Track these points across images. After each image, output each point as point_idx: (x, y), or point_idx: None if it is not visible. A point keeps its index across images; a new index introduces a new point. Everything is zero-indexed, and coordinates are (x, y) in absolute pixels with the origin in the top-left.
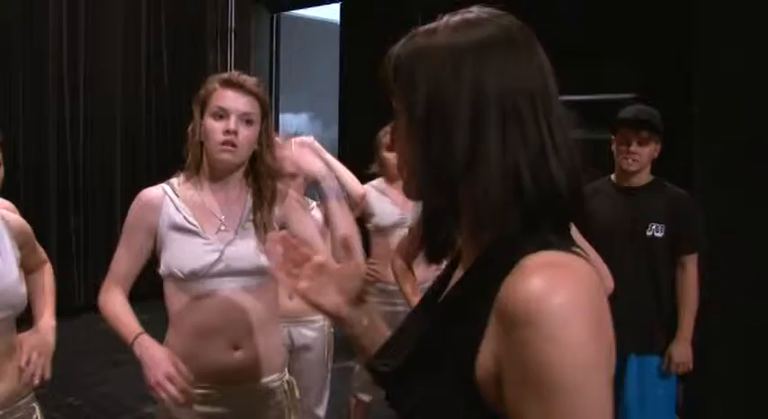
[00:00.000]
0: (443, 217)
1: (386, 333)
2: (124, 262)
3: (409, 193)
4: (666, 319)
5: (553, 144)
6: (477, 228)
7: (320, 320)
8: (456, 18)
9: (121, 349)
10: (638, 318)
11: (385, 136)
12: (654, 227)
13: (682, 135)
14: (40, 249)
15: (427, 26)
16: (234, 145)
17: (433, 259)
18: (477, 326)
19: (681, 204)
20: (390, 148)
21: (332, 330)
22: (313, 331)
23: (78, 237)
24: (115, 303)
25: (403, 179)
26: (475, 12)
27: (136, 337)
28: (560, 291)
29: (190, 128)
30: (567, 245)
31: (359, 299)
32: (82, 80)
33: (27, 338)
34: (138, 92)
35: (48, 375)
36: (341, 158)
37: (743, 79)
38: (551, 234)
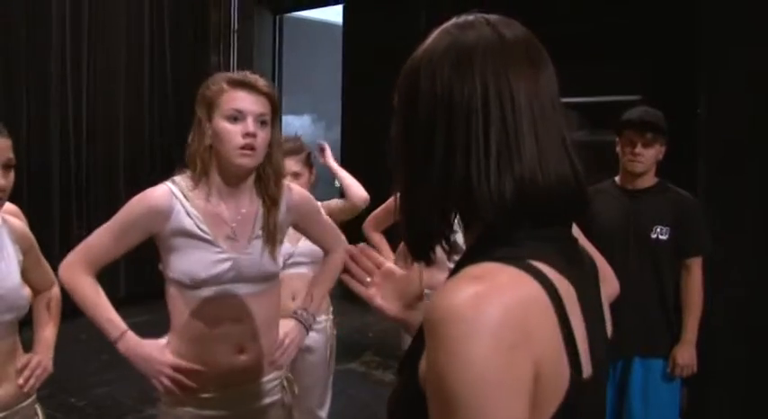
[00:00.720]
0: (429, 217)
1: None
2: (106, 249)
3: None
4: (670, 322)
5: (518, 145)
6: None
7: (323, 322)
8: (445, 26)
9: None
10: (641, 321)
11: None
12: (658, 230)
13: (686, 136)
14: (47, 265)
15: (438, 29)
16: (253, 148)
17: (418, 258)
18: (422, 338)
19: (685, 207)
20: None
21: (334, 332)
22: (315, 332)
23: (81, 239)
24: (92, 289)
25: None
26: (465, 17)
27: (122, 334)
28: (475, 305)
29: (194, 131)
30: (524, 256)
31: (416, 302)
32: (85, 81)
33: (28, 355)
34: (141, 93)
35: (34, 388)
36: (344, 160)
37: (747, 80)
38: (528, 243)
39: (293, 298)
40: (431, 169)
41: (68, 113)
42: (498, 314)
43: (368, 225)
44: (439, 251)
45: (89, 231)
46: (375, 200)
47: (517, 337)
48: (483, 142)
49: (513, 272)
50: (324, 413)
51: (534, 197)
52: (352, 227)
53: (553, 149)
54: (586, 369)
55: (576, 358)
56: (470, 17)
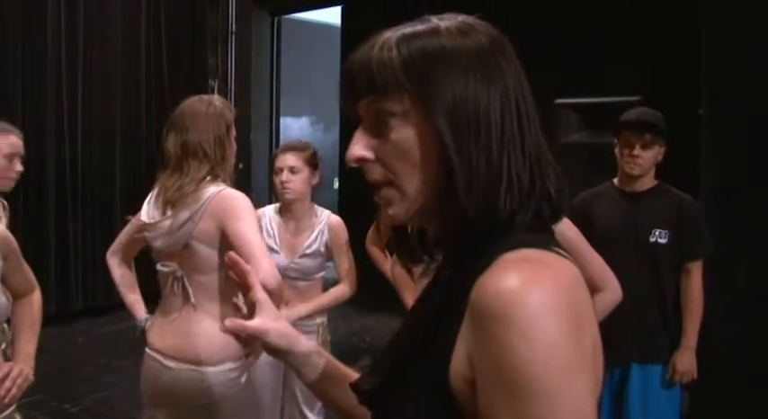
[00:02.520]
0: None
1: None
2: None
3: (399, 215)
4: (670, 327)
5: (543, 149)
6: (453, 231)
7: (314, 325)
8: (452, 22)
9: (119, 355)
10: (640, 325)
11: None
12: (657, 233)
13: (689, 138)
14: (28, 271)
15: (420, 27)
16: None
17: (409, 261)
18: (451, 331)
19: (685, 209)
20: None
21: (329, 338)
22: (306, 334)
23: (77, 241)
24: None
25: (387, 198)
26: (465, 19)
27: None
28: (536, 287)
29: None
30: (548, 243)
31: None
32: (81, 83)
33: (9, 363)
34: (139, 95)
35: (15, 398)
36: (342, 163)
37: (749, 81)
38: (527, 234)
39: (286, 304)
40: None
41: (64, 116)
42: (562, 292)
43: (368, 241)
44: None
45: (84, 235)
46: (373, 209)
47: (580, 316)
48: (539, 142)
49: (554, 255)
50: (313, 415)
51: (558, 197)
52: (357, 244)
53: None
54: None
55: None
56: (462, 18)
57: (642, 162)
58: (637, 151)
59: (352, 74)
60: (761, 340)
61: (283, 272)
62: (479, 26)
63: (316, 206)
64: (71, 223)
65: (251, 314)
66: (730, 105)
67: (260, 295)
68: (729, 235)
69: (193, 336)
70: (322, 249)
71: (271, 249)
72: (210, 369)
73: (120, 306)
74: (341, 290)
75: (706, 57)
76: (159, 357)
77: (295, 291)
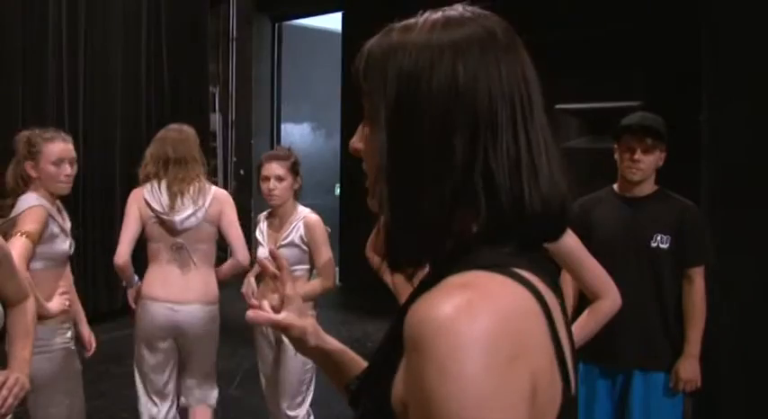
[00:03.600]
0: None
1: None
2: None
3: (373, 205)
4: (672, 333)
5: (530, 158)
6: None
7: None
8: (437, 15)
9: (116, 360)
10: (642, 333)
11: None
12: (659, 238)
13: (689, 142)
14: (22, 278)
15: (405, 22)
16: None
17: (396, 270)
18: (396, 352)
19: (686, 215)
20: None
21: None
22: None
23: (77, 247)
24: None
25: (368, 189)
26: (458, 10)
27: None
28: (465, 316)
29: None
30: (509, 264)
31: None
32: (81, 90)
33: (4, 372)
34: (139, 101)
35: (12, 408)
36: (343, 169)
37: (751, 85)
38: (511, 252)
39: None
40: (444, 172)
41: (65, 121)
42: (492, 323)
43: (368, 247)
44: None
45: (85, 232)
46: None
47: (515, 347)
48: (513, 148)
49: (501, 280)
50: (294, 413)
51: (547, 211)
52: (358, 248)
53: (556, 158)
54: (573, 384)
55: (566, 371)
56: (462, 10)
57: (643, 166)
58: (638, 156)
59: (355, 64)
60: (764, 346)
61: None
62: (475, 18)
63: (299, 205)
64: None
65: (280, 306)
66: (731, 110)
67: (290, 291)
68: (730, 240)
69: (197, 285)
70: (297, 241)
71: (259, 243)
72: (209, 307)
73: (119, 312)
74: (318, 282)
75: (706, 63)
76: (168, 304)
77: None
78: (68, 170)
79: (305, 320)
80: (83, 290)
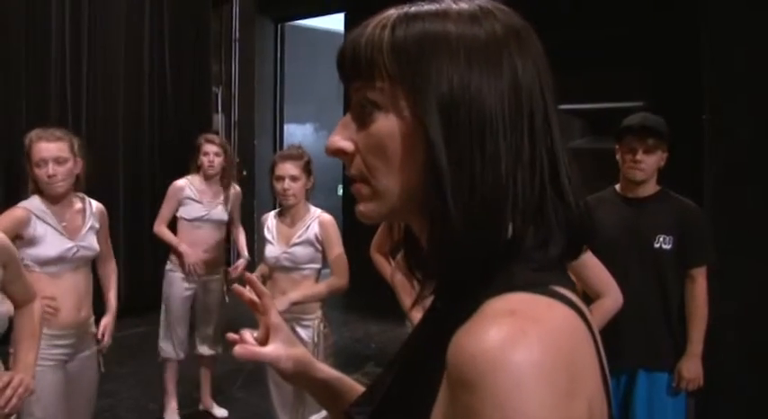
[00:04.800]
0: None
1: None
2: None
3: (367, 211)
4: (675, 333)
5: (565, 159)
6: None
7: (309, 322)
8: (466, 5)
9: (119, 361)
10: (645, 333)
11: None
12: (661, 239)
13: (691, 143)
14: (28, 280)
15: (428, 7)
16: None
17: (412, 275)
18: (431, 385)
19: (689, 215)
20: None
21: (329, 339)
22: (304, 328)
23: None
24: None
25: (360, 194)
26: (477, 1)
27: None
28: (518, 347)
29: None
30: (547, 281)
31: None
32: (84, 93)
33: (9, 373)
34: (141, 103)
35: (16, 408)
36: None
37: (753, 86)
38: (542, 267)
39: (283, 293)
40: (516, 174)
41: (68, 122)
42: (549, 354)
43: (372, 248)
44: None
45: None
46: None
47: (573, 377)
48: (555, 148)
49: (547, 302)
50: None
51: (582, 222)
52: (361, 250)
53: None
54: (612, 406)
55: (608, 390)
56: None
57: (645, 167)
58: (640, 156)
59: (343, 54)
60: (766, 346)
61: (277, 262)
62: (499, 13)
63: (310, 205)
64: None
65: (265, 337)
66: (733, 110)
67: (275, 319)
68: (732, 241)
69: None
70: (312, 238)
71: (268, 241)
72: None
73: (123, 312)
74: (331, 281)
75: (709, 63)
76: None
77: (290, 282)
78: (50, 170)
79: (295, 349)
80: None
